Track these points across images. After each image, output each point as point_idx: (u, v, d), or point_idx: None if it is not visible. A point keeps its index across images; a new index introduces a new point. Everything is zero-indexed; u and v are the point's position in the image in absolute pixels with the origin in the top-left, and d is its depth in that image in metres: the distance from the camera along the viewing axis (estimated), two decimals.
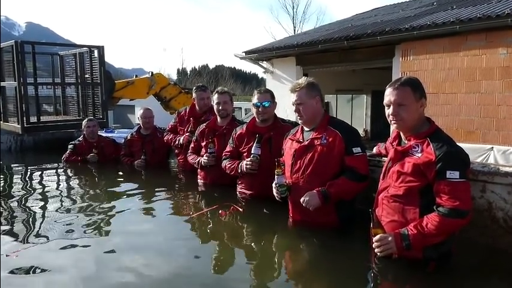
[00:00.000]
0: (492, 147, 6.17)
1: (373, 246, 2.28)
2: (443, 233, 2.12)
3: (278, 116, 3.63)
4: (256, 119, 3.52)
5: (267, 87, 7.09)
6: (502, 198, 2.42)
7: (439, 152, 2.10)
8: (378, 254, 2.25)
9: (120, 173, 5.29)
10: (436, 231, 2.09)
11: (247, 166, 3.34)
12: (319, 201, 2.68)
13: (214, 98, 4.08)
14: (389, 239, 2.20)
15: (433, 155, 2.11)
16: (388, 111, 2.27)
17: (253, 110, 3.51)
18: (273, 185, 2.90)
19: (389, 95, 2.26)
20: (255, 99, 3.45)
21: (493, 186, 2.44)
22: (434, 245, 2.17)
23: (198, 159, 4.13)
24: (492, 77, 6.51)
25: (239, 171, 3.46)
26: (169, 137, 5.04)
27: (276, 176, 2.86)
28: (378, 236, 2.25)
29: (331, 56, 9.16)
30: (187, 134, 4.68)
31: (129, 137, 5.58)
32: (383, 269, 2.26)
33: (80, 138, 5.86)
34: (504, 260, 2.43)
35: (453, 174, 2.06)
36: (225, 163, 3.64)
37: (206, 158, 3.94)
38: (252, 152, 3.35)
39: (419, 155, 2.17)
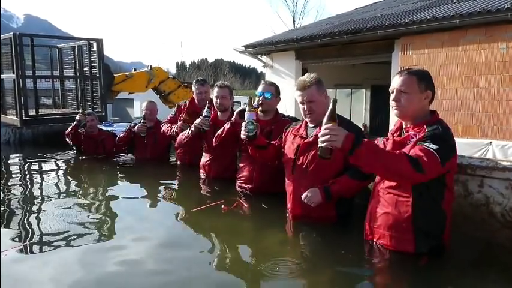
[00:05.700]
0: (491, 142, 6.19)
1: (319, 134, 2.08)
2: (393, 164, 2.01)
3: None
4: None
5: None
6: (499, 193, 2.44)
7: (429, 133, 2.12)
8: (319, 144, 2.07)
9: (121, 167, 5.30)
10: (389, 158, 2.02)
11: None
12: (321, 199, 2.68)
13: (214, 91, 4.07)
14: (341, 132, 2.02)
15: (424, 133, 2.13)
16: (391, 97, 2.29)
17: (255, 99, 3.49)
18: (242, 123, 2.86)
19: (394, 81, 2.28)
20: (258, 89, 3.44)
21: (491, 181, 2.46)
22: (424, 237, 2.18)
23: (188, 129, 4.02)
24: (491, 72, 6.52)
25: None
26: (166, 126, 4.99)
27: (246, 113, 2.82)
28: (330, 125, 2.04)
29: (330, 51, 9.15)
30: (180, 122, 4.60)
31: (133, 125, 5.58)
32: (376, 263, 2.28)
33: (80, 131, 5.85)
34: (501, 254, 2.44)
35: (431, 145, 2.05)
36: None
37: (200, 121, 3.83)
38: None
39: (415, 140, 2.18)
